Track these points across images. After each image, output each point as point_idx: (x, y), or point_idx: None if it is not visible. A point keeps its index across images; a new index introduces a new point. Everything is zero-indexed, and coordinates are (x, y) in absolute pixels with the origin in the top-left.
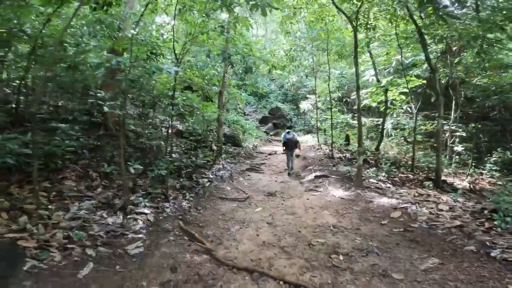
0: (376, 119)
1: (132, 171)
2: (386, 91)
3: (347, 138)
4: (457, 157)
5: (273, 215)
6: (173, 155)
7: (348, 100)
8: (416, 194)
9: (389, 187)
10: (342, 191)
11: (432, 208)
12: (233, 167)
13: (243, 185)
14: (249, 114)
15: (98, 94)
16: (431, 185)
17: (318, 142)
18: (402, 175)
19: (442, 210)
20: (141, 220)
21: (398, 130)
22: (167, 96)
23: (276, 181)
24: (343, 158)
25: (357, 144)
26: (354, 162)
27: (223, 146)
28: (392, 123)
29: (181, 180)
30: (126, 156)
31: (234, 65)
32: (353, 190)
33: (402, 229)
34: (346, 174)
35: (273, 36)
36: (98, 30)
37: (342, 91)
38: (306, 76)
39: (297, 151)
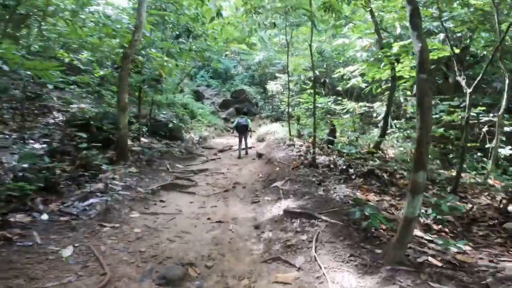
0: (368, 105)
1: None
2: (396, 61)
3: (333, 131)
4: (504, 163)
5: None
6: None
7: (327, 81)
8: None
9: (469, 255)
10: (356, 274)
11: None
12: (133, 184)
13: (121, 239)
14: (209, 97)
15: None
16: None
17: (290, 134)
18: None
19: None
20: None
21: (403, 120)
22: None
23: (209, 218)
24: (332, 165)
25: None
26: (353, 177)
27: (145, 141)
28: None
29: None
30: None
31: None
32: (387, 277)
33: None
34: (350, 212)
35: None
36: None
37: (319, 70)
38: (278, 33)
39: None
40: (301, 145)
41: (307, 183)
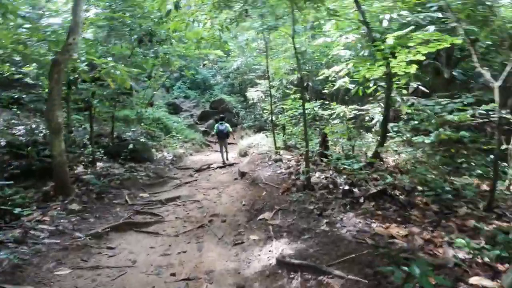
0: (359, 108)
1: None
2: (392, 56)
3: (324, 142)
4: None
5: None
6: None
7: (310, 84)
8: None
9: None
10: None
11: None
12: (69, 228)
13: None
14: (187, 110)
15: None
16: None
17: (275, 146)
18: None
19: None
20: None
21: (400, 123)
22: None
23: (174, 274)
24: (331, 185)
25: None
26: (361, 200)
27: (104, 166)
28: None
29: None
30: None
31: None
32: None
33: None
34: (374, 261)
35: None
36: None
37: (301, 72)
38: (256, 38)
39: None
40: (289, 160)
41: (303, 213)
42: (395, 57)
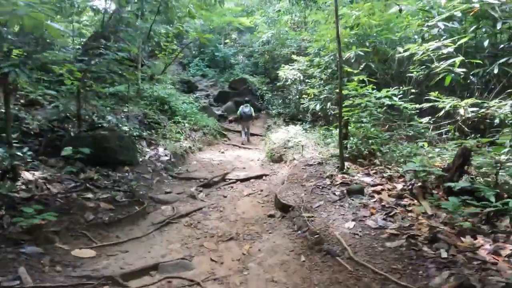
0: (491, 104)
1: None
2: None
3: (464, 163)
4: None
5: None
6: None
7: (373, 66)
8: None
9: None
10: None
11: None
12: None
13: None
14: (203, 89)
15: None
16: None
17: (342, 159)
18: None
19: None
20: None
21: None
22: None
23: None
24: None
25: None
26: None
27: (35, 177)
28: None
29: None
30: None
31: None
32: None
33: None
34: None
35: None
36: None
37: (361, 49)
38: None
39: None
40: (374, 188)
41: None
42: None
